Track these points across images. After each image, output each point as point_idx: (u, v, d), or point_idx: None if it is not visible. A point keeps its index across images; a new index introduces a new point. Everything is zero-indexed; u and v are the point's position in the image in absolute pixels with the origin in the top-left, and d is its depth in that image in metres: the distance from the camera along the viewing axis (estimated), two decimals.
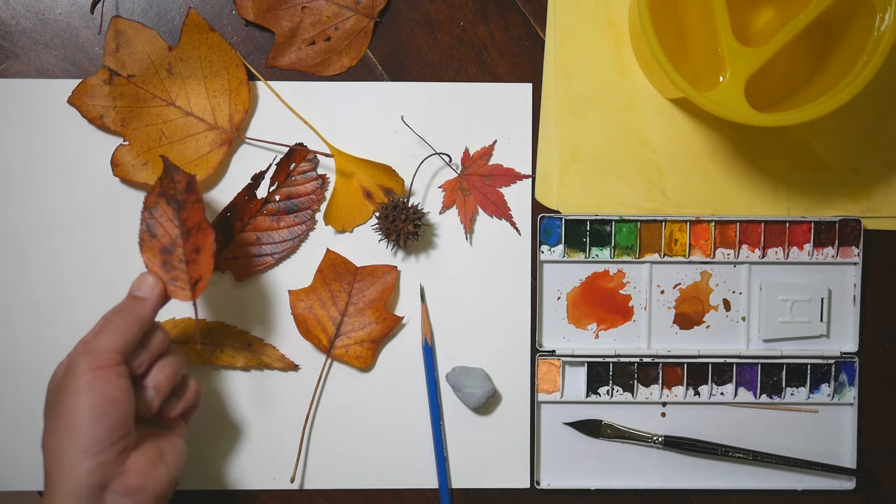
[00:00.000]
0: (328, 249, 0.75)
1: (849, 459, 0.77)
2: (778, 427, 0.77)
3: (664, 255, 0.76)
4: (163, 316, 0.75)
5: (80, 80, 0.74)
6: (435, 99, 0.76)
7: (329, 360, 0.75)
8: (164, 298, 0.67)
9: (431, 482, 0.76)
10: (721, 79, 0.68)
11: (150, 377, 0.65)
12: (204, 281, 0.68)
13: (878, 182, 0.76)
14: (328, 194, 0.75)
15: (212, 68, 0.74)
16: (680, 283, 0.76)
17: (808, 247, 0.76)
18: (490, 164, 0.76)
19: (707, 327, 0.77)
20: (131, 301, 0.66)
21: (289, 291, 0.75)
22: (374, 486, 0.76)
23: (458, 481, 0.76)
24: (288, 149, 0.75)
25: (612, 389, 0.76)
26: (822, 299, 0.76)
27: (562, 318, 0.76)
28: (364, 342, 0.75)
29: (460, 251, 0.76)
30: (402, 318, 0.76)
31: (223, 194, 0.75)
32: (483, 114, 0.76)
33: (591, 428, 0.76)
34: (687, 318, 0.77)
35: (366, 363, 0.75)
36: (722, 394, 0.77)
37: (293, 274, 0.76)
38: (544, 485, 0.76)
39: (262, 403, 0.76)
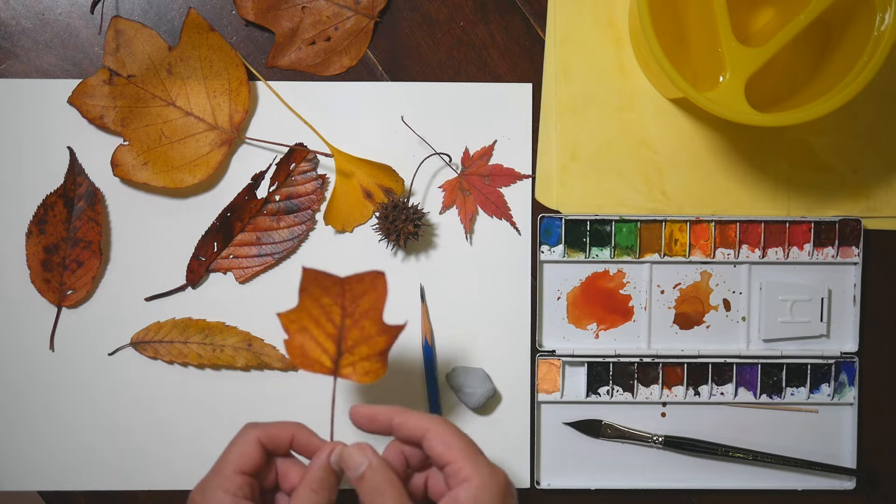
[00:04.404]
0: (304, 267, 0.64)
1: (849, 459, 0.77)
2: (778, 427, 0.77)
3: (664, 255, 0.76)
4: (162, 315, 0.75)
5: (80, 80, 0.74)
6: (435, 99, 0.76)
7: (336, 381, 0.67)
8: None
9: None
10: (721, 79, 0.68)
11: None
12: (79, 294, 0.72)
13: (878, 182, 0.76)
14: (328, 194, 0.75)
15: (212, 68, 0.74)
16: (680, 283, 0.76)
17: (808, 247, 0.76)
18: (490, 164, 0.76)
19: (707, 327, 0.77)
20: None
21: (278, 315, 0.65)
22: None
23: None
24: (288, 149, 0.75)
25: (612, 389, 0.76)
26: (822, 299, 0.76)
27: (562, 318, 0.76)
28: (371, 357, 0.67)
29: (460, 251, 0.76)
30: (404, 324, 0.72)
31: (223, 194, 0.75)
32: (483, 114, 0.76)
33: (591, 428, 0.76)
34: (687, 318, 0.77)
35: (377, 375, 0.67)
36: (722, 394, 0.77)
37: (293, 274, 0.76)
38: (544, 485, 0.76)
39: (262, 403, 0.76)
